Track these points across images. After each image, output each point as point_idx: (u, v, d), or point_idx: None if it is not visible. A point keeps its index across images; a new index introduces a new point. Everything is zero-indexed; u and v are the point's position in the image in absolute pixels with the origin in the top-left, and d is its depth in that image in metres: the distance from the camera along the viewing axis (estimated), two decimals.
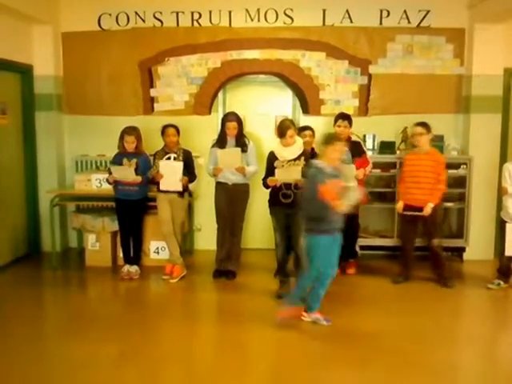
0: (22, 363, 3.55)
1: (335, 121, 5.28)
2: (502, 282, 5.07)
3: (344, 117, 5.28)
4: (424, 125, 5.05)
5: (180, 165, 5.13)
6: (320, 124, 6.00)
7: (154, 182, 5.24)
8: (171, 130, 5.19)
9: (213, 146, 5.23)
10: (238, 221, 5.28)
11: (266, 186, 4.76)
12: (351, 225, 5.32)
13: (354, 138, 5.41)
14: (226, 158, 5.02)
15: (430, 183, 4.95)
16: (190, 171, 5.27)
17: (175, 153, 5.22)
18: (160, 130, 5.24)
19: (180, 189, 5.18)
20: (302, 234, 4.21)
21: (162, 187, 5.15)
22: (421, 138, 5.03)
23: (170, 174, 5.12)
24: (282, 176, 4.58)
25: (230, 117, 5.14)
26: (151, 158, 5.40)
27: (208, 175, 5.42)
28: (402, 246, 5.31)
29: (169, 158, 5.20)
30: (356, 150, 5.18)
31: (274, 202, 4.76)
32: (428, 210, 4.91)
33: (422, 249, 5.31)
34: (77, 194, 5.81)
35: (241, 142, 5.11)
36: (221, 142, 5.14)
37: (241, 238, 5.38)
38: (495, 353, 3.90)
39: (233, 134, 5.11)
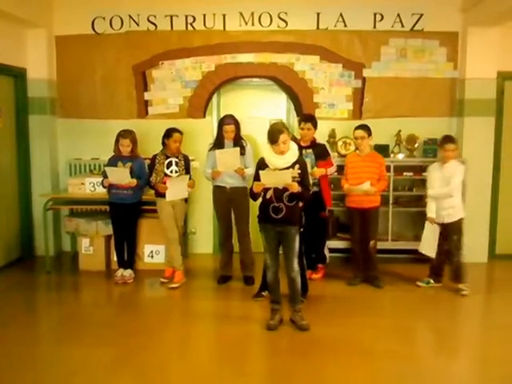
0: (15, 368, 3.53)
1: (299, 123, 5.24)
2: (432, 281, 5.18)
3: (306, 119, 5.18)
4: (365, 128, 5.09)
5: (186, 178, 5.09)
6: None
7: (154, 187, 5.17)
8: (178, 136, 5.12)
9: (210, 150, 5.19)
10: (243, 226, 5.22)
11: (253, 195, 4.09)
12: (319, 229, 5.25)
13: (318, 140, 5.31)
14: (225, 158, 4.96)
15: (374, 185, 5.02)
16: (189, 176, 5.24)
17: (177, 157, 5.18)
18: (163, 133, 5.15)
19: (187, 196, 5.15)
20: (295, 254, 4.09)
21: (168, 198, 5.00)
22: (362, 141, 5.08)
23: (178, 187, 5.04)
24: (268, 180, 3.92)
25: (227, 120, 5.12)
26: (146, 162, 5.39)
27: (205, 179, 5.37)
28: (353, 248, 5.35)
29: (170, 163, 5.13)
30: (320, 152, 5.11)
31: (264, 217, 4.09)
32: (367, 187, 4.97)
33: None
34: (70, 197, 5.79)
35: (239, 144, 5.09)
36: (218, 146, 5.10)
37: (250, 243, 5.30)
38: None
39: (230, 136, 5.09)
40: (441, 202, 4.98)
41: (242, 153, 5.06)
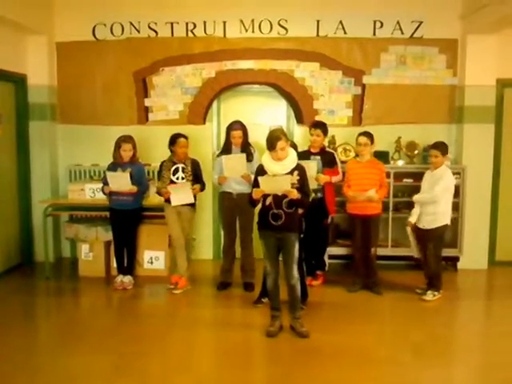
0: (14, 375, 3.52)
1: (309, 129, 5.30)
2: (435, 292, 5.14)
3: (316, 125, 5.25)
4: (368, 135, 5.12)
5: (188, 184, 5.06)
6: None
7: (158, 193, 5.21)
8: (183, 141, 5.12)
9: (218, 156, 5.20)
10: (247, 232, 5.18)
11: (252, 202, 4.11)
12: (321, 235, 5.31)
13: (327, 148, 5.43)
14: (231, 163, 4.95)
15: (375, 191, 5.04)
16: (199, 181, 5.23)
17: (183, 163, 5.17)
18: (169, 140, 5.16)
19: (192, 201, 5.11)
20: (295, 261, 4.07)
21: (173, 203, 5.04)
22: (365, 148, 5.11)
23: (180, 193, 5.04)
24: (267, 186, 3.94)
25: (235, 125, 5.13)
26: (146, 168, 5.39)
27: (208, 185, 5.39)
28: (353, 254, 5.36)
29: (177, 169, 5.14)
30: (328, 160, 5.18)
31: (263, 224, 4.11)
32: (372, 194, 4.97)
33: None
34: (70, 203, 5.79)
35: (246, 151, 5.07)
36: (226, 151, 5.11)
37: (252, 249, 5.28)
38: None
39: (238, 142, 5.09)
40: (425, 208, 5.01)
41: (250, 159, 5.04)
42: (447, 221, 5.01)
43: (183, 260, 5.25)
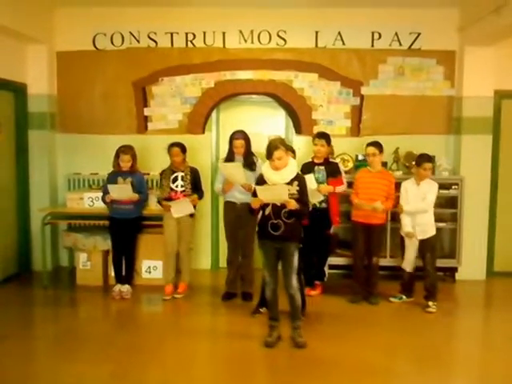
0: None
1: (313, 139, 5.32)
2: (404, 296, 5.23)
3: (320, 135, 5.28)
4: (376, 145, 5.15)
5: (186, 200, 5.10)
6: (312, 144, 6.05)
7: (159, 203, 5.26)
8: (175, 150, 5.18)
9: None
10: (248, 242, 5.16)
11: (251, 210, 4.12)
12: (323, 246, 5.32)
13: (331, 158, 5.44)
14: (229, 172, 4.96)
15: (382, 202, 5.05)
16: (197, 188, 5.25)
17: (182, 171, 5.21)
18: (166, 149, 5.23)
19: (192, 211, 5.16)
20: (294, 271, 4.05)
21: (175, 215, 5.10)
22: (374, 158, 5.13)
23: (181, 206, 5.10)
24: (264, 195, 3.92)
25: (236, 135, 5.13)
26: (145, 177, 5.41)
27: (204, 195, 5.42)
28: (354, 263, 5.35)
29: (176, 177, 5.18)
30: (332, 170, 5.19)
31: (263, 234, 4.10)
32: (378, 205, 4.98)
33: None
34: (69, 212, 5.78)
35: (249, 160, 5.07)
36: (229, 161, 5.12)
37: (253, 259, 5.27)
38: None
39: (240, 152, 5.09)
40: (414, 219, 5.03)
41: (253, 169, 5.02)
42: (435, 230, 5.09)
43: (171, 268, 5.29)
